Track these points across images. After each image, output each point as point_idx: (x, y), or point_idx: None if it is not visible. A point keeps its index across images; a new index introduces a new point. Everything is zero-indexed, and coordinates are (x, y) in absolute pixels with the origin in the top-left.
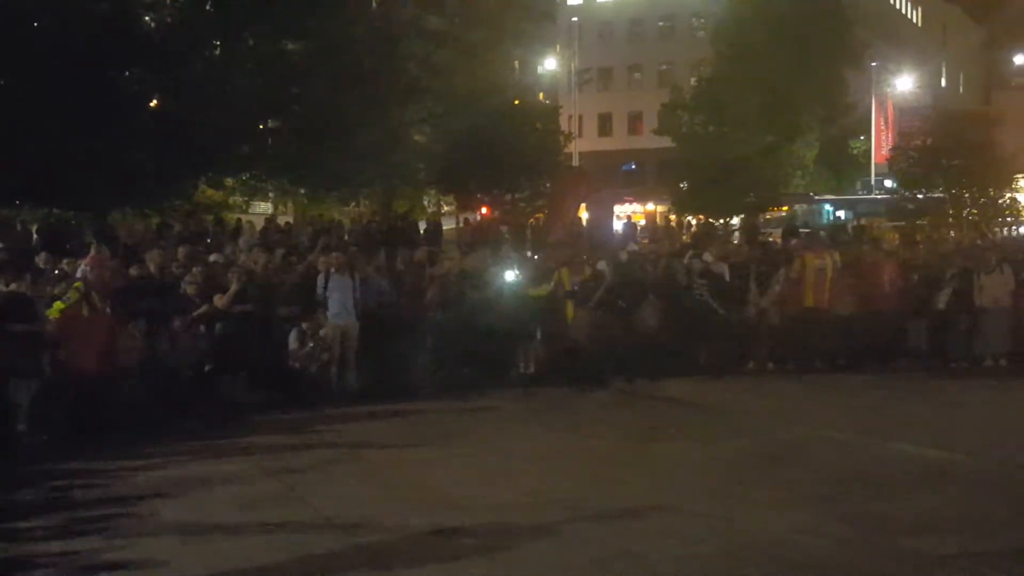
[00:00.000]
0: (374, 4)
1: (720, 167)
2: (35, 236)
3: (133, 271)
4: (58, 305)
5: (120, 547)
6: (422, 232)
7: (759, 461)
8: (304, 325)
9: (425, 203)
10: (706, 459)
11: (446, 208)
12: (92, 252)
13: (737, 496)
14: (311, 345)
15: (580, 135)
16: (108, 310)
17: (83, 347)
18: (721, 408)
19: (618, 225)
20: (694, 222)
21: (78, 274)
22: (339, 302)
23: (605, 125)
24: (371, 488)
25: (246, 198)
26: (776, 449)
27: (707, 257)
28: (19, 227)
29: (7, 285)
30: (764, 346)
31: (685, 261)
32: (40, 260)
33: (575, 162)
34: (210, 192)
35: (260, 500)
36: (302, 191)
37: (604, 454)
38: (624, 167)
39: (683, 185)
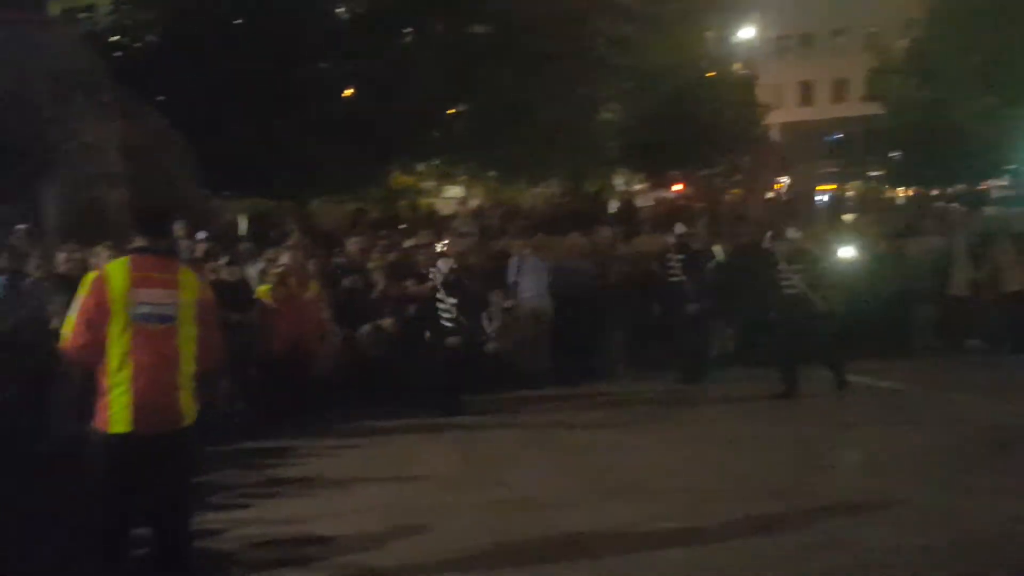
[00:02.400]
0: None
1: (936, 134)
2: (244, 224)
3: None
4: (262, 289)
5: (324, 524)
6: (613, 211)
7: (980, 447)
8: (492, 308)
9: (616, 182)
10: (921, 445)
11: (638, 186)
12: (292, 239)
13: (956, 484)
14: (500, 327)
15: (779, 105)
16: (309, 294)
17: (281, 330)
18: (933, 392)
19: (822, 198)
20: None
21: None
22: (533, 285)
23: (807, 94)
24: (565, 471)
25: (437, 183)
26: (999, 434)
27: (792, 234)
28: (228, 216)
29: (217, 273)
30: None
31: (765, 244)
32: (244, 248)
33: (774, 134)
34: (403, 178)
35: (457, 481)
36: (492, 174)
37: (809, 440)
38: (828, 138)
39: (894, 155)
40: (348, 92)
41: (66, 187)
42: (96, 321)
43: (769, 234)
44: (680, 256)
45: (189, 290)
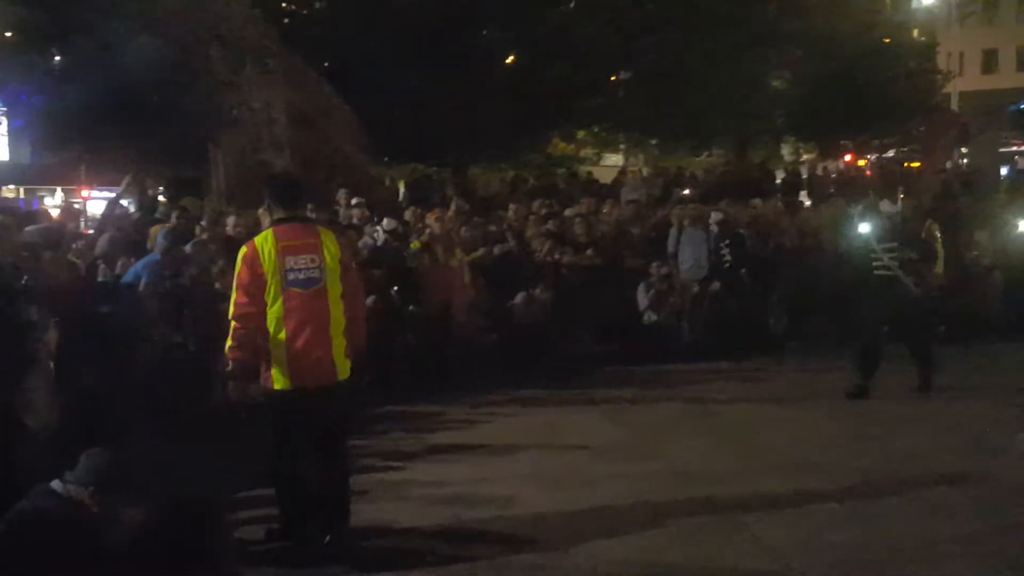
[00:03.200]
0: None
1: None
2: (402, 191)
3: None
4: None
5: (478, 489)
6: (779, 181)
7: None
8: (652, 278)
9: (783, 151)
10: None
11: (805, 156)
12: (452, 207)
13: None
14: (658, 297)
15: (960, 74)
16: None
17: (426, 296)
18: None
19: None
20: None
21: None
22: (692, 256)
23: (990, 61)
24: (722, 445)
25: (597, 150)
26: None
27: (887, 207)
28: (388, 182)
29: (374, 239)
30: None
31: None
32: (407, 214)
33: (954, 103)
34: (562, 145)
35: (610, 450)
36: (653, 141)
37: (983, 423)
38: (1012, 107)
39: None
40: (510, 59)
41: (235, 151)
42: (254, 291)
43: (859, 208)
44: (726, 241)
45: (331, 251)
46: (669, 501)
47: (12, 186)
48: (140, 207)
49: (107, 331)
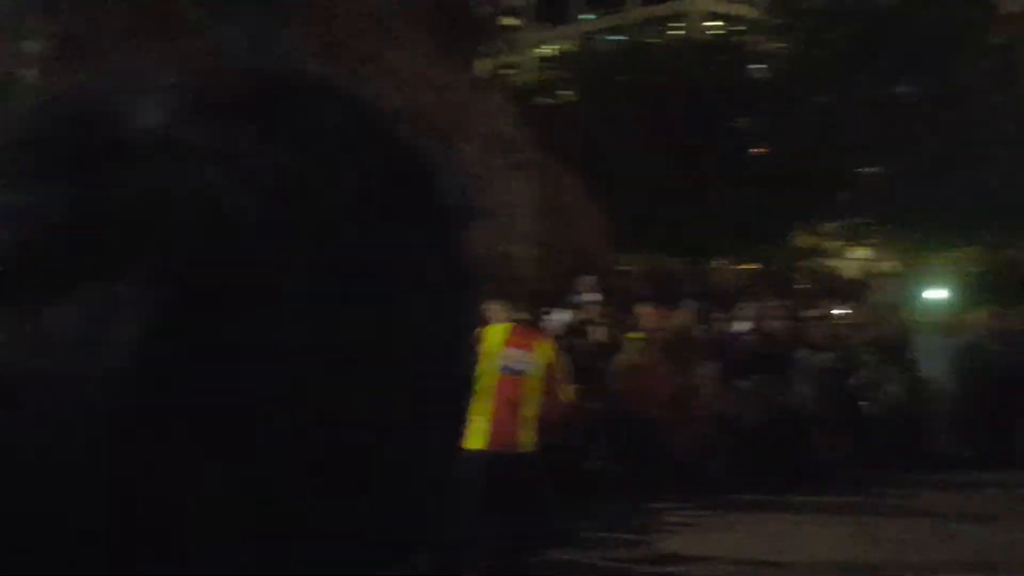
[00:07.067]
0: (993, 46)
1: None
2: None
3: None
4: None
5: None
6: None
7: None
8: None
9: None
10: None
11: None
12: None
13: None
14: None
15: None
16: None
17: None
18: None
19: None
20: None
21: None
22: (934, 361)
23: None
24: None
25: (842, 243)
26: None
27: None
28: (627, 271)
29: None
30: None
31: None
32: (640, 308)
33: None
34: (806, 238)
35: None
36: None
37: None
38: None
39: None
40: (760, 149)
41: (481, 242)
42: None
43: None
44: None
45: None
46: None
47: None
48: None
49: None
